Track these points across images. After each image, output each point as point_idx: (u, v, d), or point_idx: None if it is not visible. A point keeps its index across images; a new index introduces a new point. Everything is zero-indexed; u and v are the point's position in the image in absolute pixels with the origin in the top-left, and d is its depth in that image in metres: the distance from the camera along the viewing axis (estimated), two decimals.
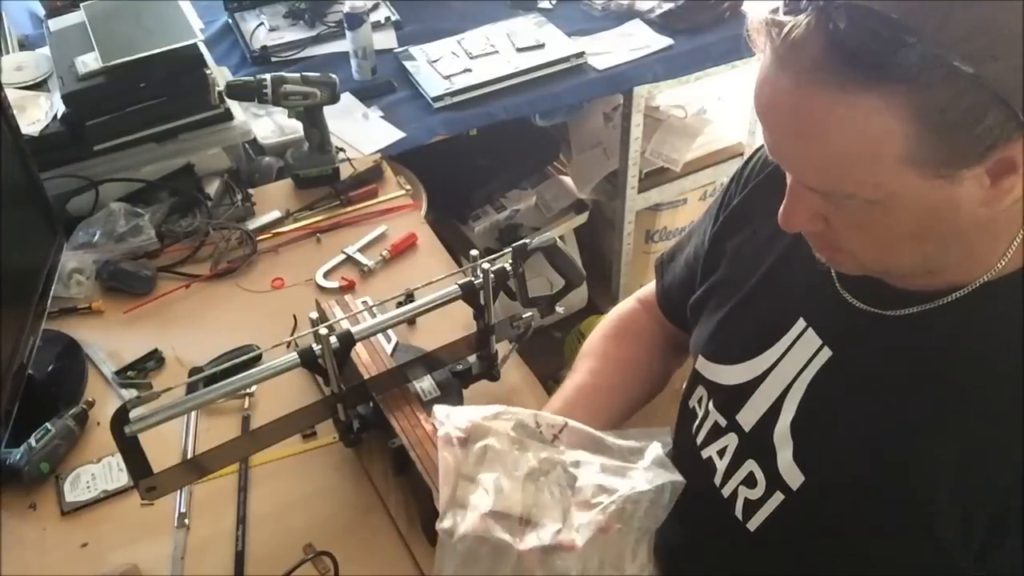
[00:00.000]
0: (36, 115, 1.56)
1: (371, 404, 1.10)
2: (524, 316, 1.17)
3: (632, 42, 2.05)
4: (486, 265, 1.05)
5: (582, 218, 2.41)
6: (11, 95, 1.45)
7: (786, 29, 0.57)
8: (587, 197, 2.41)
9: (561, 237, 1.89)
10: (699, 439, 0.91)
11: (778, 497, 0.80)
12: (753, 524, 0.83)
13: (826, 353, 0.77)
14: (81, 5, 1.66)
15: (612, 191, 2.35)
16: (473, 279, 1.07)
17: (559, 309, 1.17)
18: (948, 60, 0.52)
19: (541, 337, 2.42)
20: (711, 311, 0.92)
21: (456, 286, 1.07)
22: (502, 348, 1.18)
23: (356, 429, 1.08)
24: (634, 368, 1.04)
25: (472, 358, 1.17)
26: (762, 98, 0.63)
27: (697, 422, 0.92)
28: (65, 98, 1.51)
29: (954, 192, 0.59)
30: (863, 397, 0.74)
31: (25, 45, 2.08)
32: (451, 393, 1.13)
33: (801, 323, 0.79)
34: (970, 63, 0.52)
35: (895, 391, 0.72)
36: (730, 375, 0.86)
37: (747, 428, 0.83)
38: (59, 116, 1.54)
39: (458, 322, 1.16)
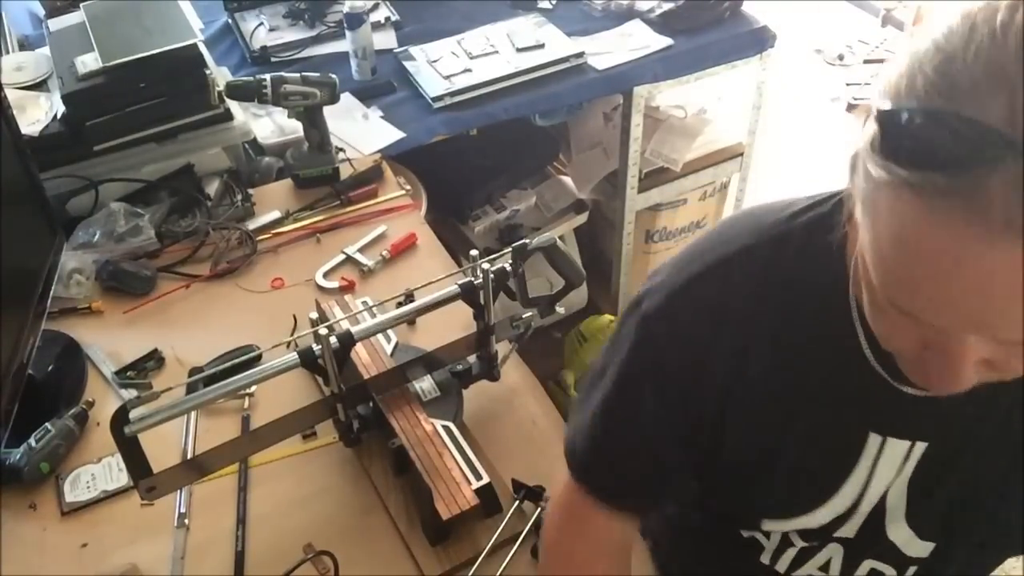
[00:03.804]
0: (36, 115, 1.56)
1: (371, 404, 1.10)
2: (524, 316, 1.17)
3: (632, 42, 2.05)
4: (486, 265, 1.05)
5: (582, 218, 2.41)
6: (11, 95, 1.45)
7: (1001, 190, 0.45)
8: (587, 197, 2.41)
9: (561, 237, 1.88)
10: (782, 565, 0.85)
11: (911, 570, 0.80)
12: None
13: (920, 447, 0.73)
14: (81, 5, 1.66)
15: (612, 191, 2.35)
16: (473, 279, 1.07)
17: (559, 309, 1.17)
18: None
19: (541, 337, 2.41)
20: (747, 479, 0.80)
21: (456, 286, 1.07)
22: (502, 348, 1.18)
23: (356, 429, 1.08)
24: None
25: (472, 358, 1.17)
26: (962, 277, 0.49)
27: (770, 553, 0.85)
28: (65, 98, 1.51)
29: None
30: (968, 465, 0.73)
31: (25, 45, 2.08)
32: (451, 393, 1.13)
33: (875, 438, 0.73)
34: None
35: (997, 449, 0.71)
36: (813, 519, 0.79)
37: (851, 536, 0.80)
38: (59, 116, 1.54)
39: (458, 322, 1.16)
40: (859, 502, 0.76)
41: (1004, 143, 0.45)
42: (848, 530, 0.79)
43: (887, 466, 0.74)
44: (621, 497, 0.84)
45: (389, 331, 1.18)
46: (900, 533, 0.77)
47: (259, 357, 1.19)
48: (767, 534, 0.84)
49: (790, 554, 0.83)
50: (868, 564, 0.80)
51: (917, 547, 0.77)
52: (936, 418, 0.71)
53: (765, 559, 0.86)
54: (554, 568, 0.89)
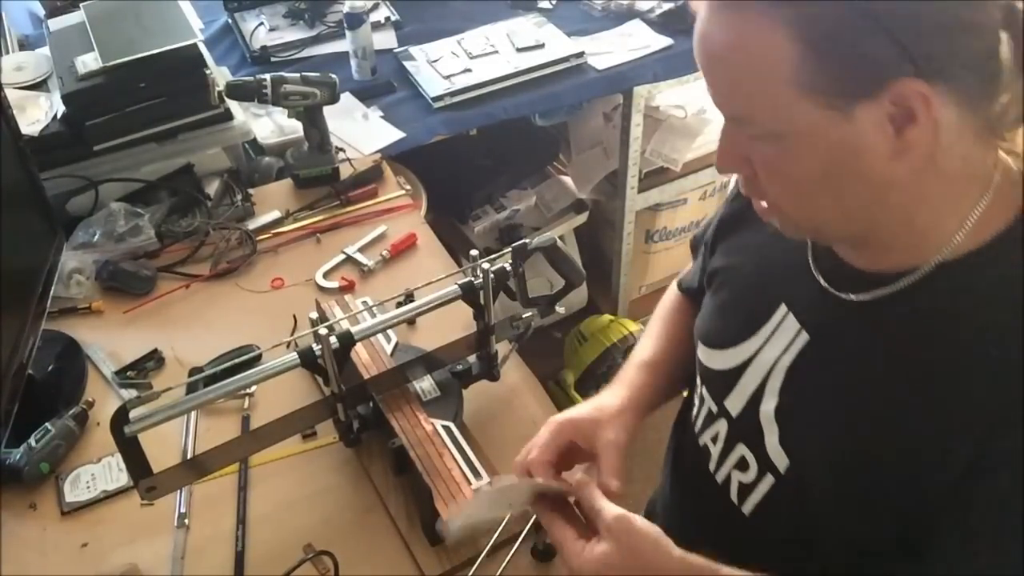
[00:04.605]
0: (36, 115, 1.56)
1: (371, 404, 1.10)
2: (524, 316, 1.17)
3: (632, 42, 2.05)
4: (486, 265, 1.05)
5: (582, 218, 2.41)
6: (11, 95, 1.45)
7: None
8: (587, 197, 2.41)
9: (561, 237, 1.88)
10: (697, 426, 0.93)
11: (769, 480, 0.81)
12: (747, 507, 0.84)
13: (804, 338, 0.78)
14: (81, 5, 1.66)
15: (612, 191, 2.35)
16: (473, 279, 1.07)
17: (559, 309, 1.17)
18: None
19: (541, 337, 2.41)
20: (709, 297, 0.94)
21: (456, 286, 1.07)
22: (502, 348, 1.18)
23: (356, 429, 1.08)
24: (678, 353, 1.03)
25: (472, 358, 1.17)
26: (694, 41, 0.68)
27: (695, 409, 0.94)
28: (65, 98, 1.51)
29: (853, 132, 0.61)
30: (840, 381, 0.74)
31: (25, 45, 2.08)
32: (451, 393, 1.13)
33: (783, 309, 0.81)
34: None
35: (870, 375, 0.72)
36: (720, 360, 0.87)
37: (734, 413, 0.85)
38: (59, 116, 1.54)
39: (458, 322, 1.16)
40: (750, 362, 0.83)
41: None
42: (735, 401, 0.84)
43: (777, 342, 0.80)
44: (689, 279, 1.05)
45: (389, 331, 1.18)
46: (768, 421, 0.80)
47: (259, 357, 1.19)
48: (697, 388, 0.94)
49: (702, 414, 0.92)
50: (740, 450, 0.84)
51: (775, 449, 0.79)
52: (826, 323, 0.76)
53: (692, 416, 0.95)
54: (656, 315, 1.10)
